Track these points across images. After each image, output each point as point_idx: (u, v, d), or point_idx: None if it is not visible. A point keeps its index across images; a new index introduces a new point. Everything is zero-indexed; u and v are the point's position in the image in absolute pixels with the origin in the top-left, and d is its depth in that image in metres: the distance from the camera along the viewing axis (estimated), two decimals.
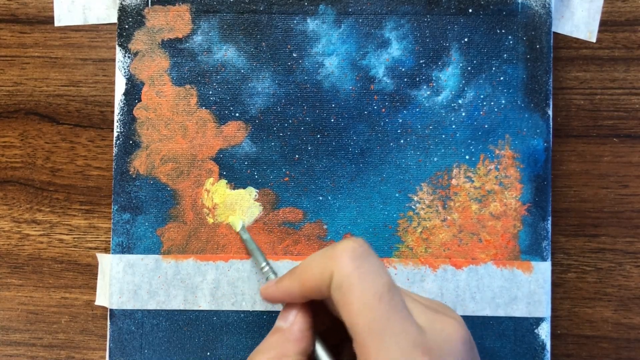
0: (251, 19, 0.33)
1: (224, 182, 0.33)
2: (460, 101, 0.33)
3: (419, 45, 0.33)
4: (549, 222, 0.33)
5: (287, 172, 0.33)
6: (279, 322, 0.26)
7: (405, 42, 0.33)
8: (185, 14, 0.33)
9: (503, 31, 0.33)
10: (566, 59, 0.35)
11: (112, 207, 0.33)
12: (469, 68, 0.33)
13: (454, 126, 0.33)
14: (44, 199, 0.35)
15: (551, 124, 0.33)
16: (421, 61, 0.33)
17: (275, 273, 0.30)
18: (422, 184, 0.33)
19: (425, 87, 0.33)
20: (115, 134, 0.33)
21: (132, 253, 0.33)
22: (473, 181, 0.33)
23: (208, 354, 0.33)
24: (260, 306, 0.33)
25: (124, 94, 0.33)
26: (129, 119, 0.33)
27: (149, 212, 0.33)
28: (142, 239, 0.33)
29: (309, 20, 0.33)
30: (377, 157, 0.33)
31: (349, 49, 0.33)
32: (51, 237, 0.35)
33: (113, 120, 0.35)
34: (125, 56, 0.33)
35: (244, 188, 0.33)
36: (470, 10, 0.33)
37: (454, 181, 0.33)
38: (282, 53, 0.33)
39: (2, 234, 0.35)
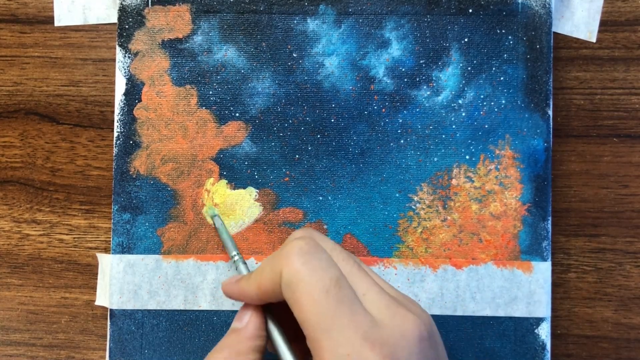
0: (251, 19, 0.33)
1: (224, 182, 0.33)
2: (460, 101, 0.33)
3: (419, 46, 0.33)
4: (549, 222, 0.33)
5: (287, 172, 0.33)
6: (235, 324, 0.26)
7: (405, 42, 0.33)
8: (185, 14, 0.33)
9: (503, 31, 0.33)
10: (566, 59, 0.35)
11: (112, 207, 0.33)
12: (469, 68, 0.33)
13: (454, 126, 0.33)
14: (44, 199, 0.35)
15: (551, 124, 0.33)
16: (421, 61, 0.33)
17: (245, 263, 0.30)
18: (422, 184, 0.33)
19: (425, 87, 0.33)
20: (116, 134, 0.33)
21: (133, 253, 0.33)
22: (473, 181, 0.33)
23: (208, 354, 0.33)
24: None
25: (124, 94, 0.33)
26: (129, 119, 0.33)
27: (149, 212, 0.33)
28: (142, 239, 0.33)
29: (309, 21, 0.33)
30: (377, 157, 0.33)
31: (349, 49, 0.33)
32: (51, 237, 0.35)
33: (113, 120, 0.35)
34: (125, 56, 0.33)
35: (244, 188, 0.33)
36: (470, 11, 0.33)
37: (454, 181, 0.33)
38: (282, 53, 0.33)
39: (2, 234, 0.35)
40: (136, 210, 0.33)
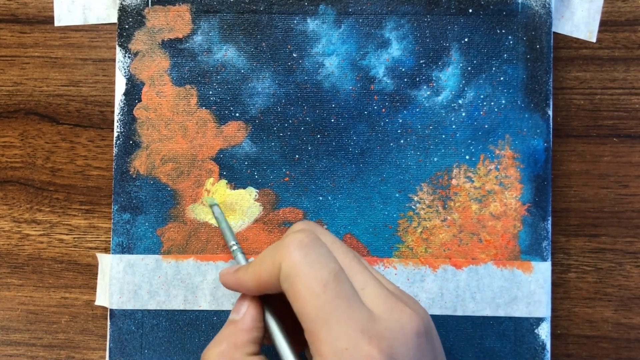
0: (251, 19, 0.33)
1: (224, 182, 0.33)
2: (460, 101, 0.33)
3: (419, 46, 0.33)
4: (549, 222, 0.33)
5: (287, 172, 0.33)
6: (232, 315, 0.26)
7: (405, 42, 0.33)
8: (185, 14, 0.33)
9: (503, 31, 0.33)
10: (566, 59, 0.35)
11: (112, 207, 0.33)
12: (469, 68, 0.33)
13: (454, 126, 0.33)
14: (44, 199, 0.35)
15: (551, 124, 0.33)
16: (421, 61, 0.33)
17: (243, 253, 0.30)
18: (422, 184, 0.33)
19: (425, 87, 0.33)
20: (116, 134, 0.33)
21: (132, 253, 0.33)
22: (473, 181, 0.33)
23: None
24: None
25: (124, 94, 0.33)
26: (129, 119, 0.33)
27: (149, 212, 0.33)
28: (142, 239, 0.33)
29: (309, 21, 0.33)
30: (377, 157, 0.33)
31: (349, 49, 0.33)
32: (51, 237, 0.35)
33: (113, 120, 0.35)
34: (125, 56, 0.33)
35: (244, 188, 0.33)
36: (470, 10, 0.33)
37: (454, 181, 0.33)
38: (282, 53, 0.33)
39: (2, 234, 0.35)
40: (136, 210, 0.33)
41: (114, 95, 0.35)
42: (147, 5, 0.33)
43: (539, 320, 0.33)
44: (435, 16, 0.33)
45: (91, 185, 0.35)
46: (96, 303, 0.34)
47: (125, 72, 0.33)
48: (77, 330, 0.35)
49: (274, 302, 0.27)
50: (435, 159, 0.33)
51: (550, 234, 0.33)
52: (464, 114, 0.33)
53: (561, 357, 0.35)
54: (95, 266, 0.35)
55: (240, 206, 0.33)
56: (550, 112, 0.33)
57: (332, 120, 0.33)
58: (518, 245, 0.33)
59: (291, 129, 0.33)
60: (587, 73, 0.35)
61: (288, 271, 0.23)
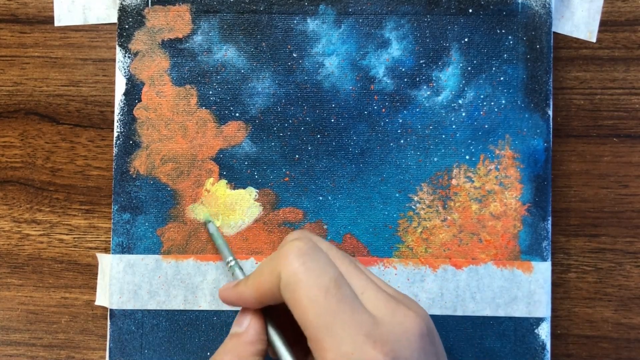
0: (251, 19, 0.33)
1: (224, 182, 0.33)
2: (460, 101, 0.33)
3: (419, 46, 0.33)
4: (549, 222, 0.33)
5: (287, 172, 0.33)
6: (235, 328, 0.26)
7: (405, 42, 0.33)
8: (185, 14, 0.33)
9: (503, 31, 0.33)
10: (566, 59, 0.35)
11: (112, 207, 0.33)
12: (469, 68, 0.33)
13: (454, 126, 0.33)
14: (44, 199, 0.35)
15: (551, 124, 0.33)
16: (421, 61, 0.33)
17: (241, 268, 0.30)
18: (422, 184, 0.33)
19: (425, 87, 0.33)
20: (116, 134, 0.33)
21: (132, 253, 0.33)
22: (473, 181, 0.33)
23: (208, 354, 0.33)
24: None
25: (124, 94, 0.33)
26: (129, 119, 0.33)
27: (149, 212, 0.33)
28: (142, 239, 0.33)
29: (309, 21, 0.33)
30: (377, 157, 0.33)
31: (349, 49, 0.33)
32: (51, 237, 0.35)
33: (113, 120, 0.35)
34: (125, 56, 0.33)
35: (244, 188, 0.33)
36: (470, 10, 0.33)
37: (454, 181, 0.33)
38: (282, 53, 0.33)
39: (2, 234, 0.35)
40: (136, 210, 0.33)
41: (114, 95, 0.35)
42: (147, 5, 0.33)
43: (539, 320, 0.33)
44: (435, 16, 0.33)
45: (91, 185, 0.35)
46: (96, 303, 0.34)
47: (125, 72, 0.33)
48: (77, 330, 0.35)
49: (274, 314, 0.27)
50: (435, 159, 0.33)
51: (550, 234, 0.33)
52: (464, 114, 0.33)
53: (561, 357, 0.35)
54: (95, 266, 0.35)
55: (240, 206, 0.33)
56: (550, 112, 0.33)
57: (332, 120, 0.33)
58: (518, 245, 0.33)
59: (291, 129, 0.33)
60: (587, 73, 0.35)
61: (288, 280, 0.23)
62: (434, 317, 0.33)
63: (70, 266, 0.35)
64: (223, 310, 0.33)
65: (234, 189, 0.33)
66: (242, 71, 0.33)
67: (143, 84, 0.33)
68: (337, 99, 0.33)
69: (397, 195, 0.33)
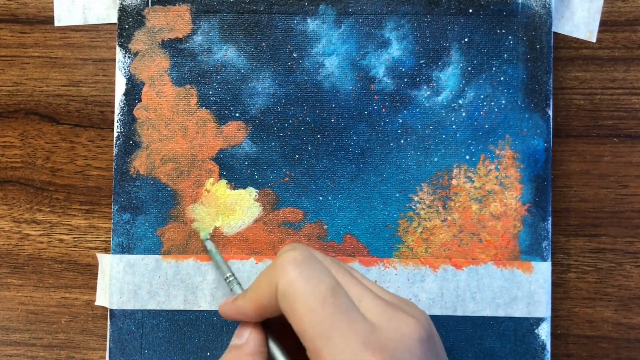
0: (251, 19, 0.33)
1: (224, 182, 0.33)
2: (460, 101, 0.33)
3: (419, 46, 0.33)
4: (549, 222, 0.33)
5: (287, 172, 0.33)
6: (235, 340, 0.26)
7: (405, 42, 0.33)
8: (185, 14, 0.33)
9: (503, 31, 0.33)
10: (566, 59, 0.35)
11: (112, 207, 0.33)
12: (469, 68, 0.33)
13: (454, 126, 0.33)
14: (44, 199, 0.35)
15: (551, 124, 0.33)
16: (421, 61, 0.33)
17: (239, 283, 0.30)
18: (423, 184, 0.33)
19: (425, 87, 0.33)
20: (116, 134, 0.33)
21: (132, 253, 0.33)
22: (473, 181, 0.33)
23: (208, 354, 0.33)
24: None
25: (124, 94, 0.33)
26: (129, 119, 0.33)
27: (149, 212, 0.33)
28: (142, 239, 0.33)
29: (309, 21, 0.33)
30: (377, 157, 0.33)
31: (349, 49, 0.33)
32: (51, 237, 0.35)
33: (113, 120, 0.35)
34: (125, 56, 0.33)
35: (244, 188, 0.33)
36: (470, 10, 0.33)
37: (454, 181, 0.33)
38: (282, 53, 0.33)
39: (2, 234, 0.35)
40: (136, 210, 0.33)
41: (114, 95, 0.35)
42: (147, 5, 0.33)
43: (539, 320, 0.33)
44: (435, 16, 0.33)
45: (91, 185, 0.35)
46: (96, 303, 0.34)
47: (125, 72, 0.33)
48: (77, 330, 0.35)
49: (275, 327, 0.27)
50: (436, 159, 0.33)
51: (550, 234, 0.33)
52: (464, 114, 0.33)
53: (561, 357, 0.35)
54: (95, 266, 0.35)
55: (240, 206, 0.33)
56: (550, 112, 0.33)
57: (332, 120, 0.33)
58: (518, 245, 0.33)
59: (291, 129, 0.33)
60: (587, 73, 0.35)
61: (285, 290, 0.23)
62: (434, 317, 0.33)
63: (70, 266, 0.35)
64: None
65: (234, 189, 0.33)
66: (242, 71, 0.33)
67: (143, 84, 0.33)
68: (337, 99, 0.33)
69: (397, 195, 0.33)
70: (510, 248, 0.33)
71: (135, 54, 0.33)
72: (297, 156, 0.33)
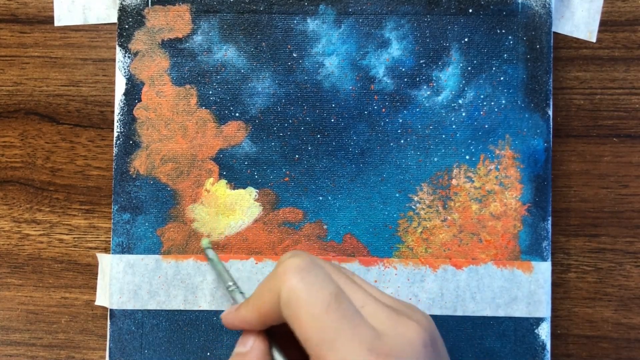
0: (251, 19, 0.33)
1: (224, 182, 0.33)
2: (460, 101, 0.33)
3: (419, 45, 0.33)
4: (549, 222, 0.33)
5: (287, 172, 0.33)
6: (238, 348, 0.26)
7: (405, 42, 0.33)
8: (185, 14, 0.33)
9: (503, 31, 0.33)
10: (566, 59, 0.35)
11: (112, 207, 0.33)
12: (469, 68, 0.33)
13: (454, 126, 0.33)
14: (44, 199, 0.35)
15: (551, 124, 0.33)
16: (421, 61, 0.33)
17: (242, 292, 0.30)
18: (423, 184, 0.33)
19: (425, 87, 0.33)
20: (116, 134, 0.33)
21: (132, 253, 0.33)
22: (473, 181, 0.33)
23: (208, 354, 0.33)
24: None
25: (124, 94, 0.33)
26: (129, 119, 0.33)
27: (149, 212, 0.33)
28: (142, 239, 0.33)
29: (309, 20, 0.33)
30: (377, 157, 0.33)
31: (349, 49, 0.33)
32: (51, 237, 0.35)
33: (113, 120, 0.35)
34: (125, 56, 0.33)
35: (244, 188, 0.33)
36: (470, 10, 0.33)
37: (454, 181, 0.33)
38: (282, 53, 0.33)
39: (2, 234, 0.35)
40: (136, 210, 0.33)
41: (114, 95, 0.35)
42: (147, 5, 0.33)
43: (539, 320, 0.33)
44: (435, 16, 0.33)
45: (91, 185, 0.35)
46: (96, 303, 0.34)
47: (125, 72, 0.33)
48: (77, 330, 0.35)
49: (278, 335, 0.26)
50: (436, 159, 0.33)
51: (550, 234, 0.33)
52: (464, 114, 0.33)
53: (561, 357, 0.35)
54: (95, 266, 0.35)
55: (240, 206, 0.33)
56: (550, 112, 0.33)
57: (332, 120, 0.33)
58: (518, 245, 0.33)
59: (291, 129, 0.33)
60: (587, 73, 0.35)
61: (288, 297, 0.23)
62: (434, 317, 0.33)
63: (70, 266, 0.35)
64: (223, 311, 0.33)
65: (234, 189, 0.33)
66: (242, 71, 0.33)
67: (143, 84, 0.33)
68: (337, 99, 0.33)
69: (397, 195, 0.33)
70: (510, 248, 0.33)
71: (135, 54, 0.33)
72: (297, 156, 0.33)
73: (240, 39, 0.33)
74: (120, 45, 0.33)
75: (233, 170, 0.33)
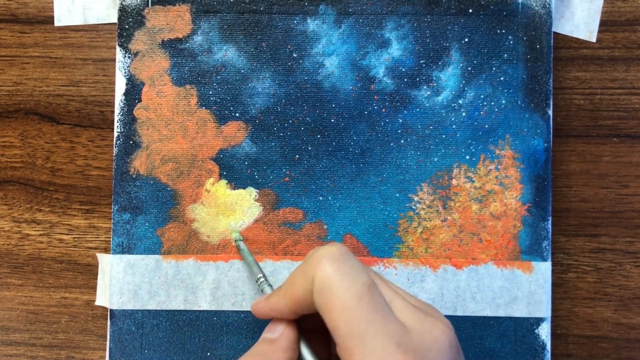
0: (251, 19, 0.33)
1: (224, 182, 0.33)
2: (460, 101, 0.33)
3: (419, 46, 0.33)
4: (549, 222, 0.33)
5: (287, 172, 0.33)
6: (266, 334, 0.26)
7: (405, 42, 0.33)
8: (185, 14, 0.33)
9: (503, 31, 0.33)
10: (566, 59, 0.35)
11: (112, 207, 0.33)
12: (469, 68, 0.33)
13: (454, 126, 0.33)
14: (44, 199, 0.35)
15: (551, 124, 0.33)
16: (421, 61, 0.33)
17: (270, 285, 0.30)
18: (423, 184, 0.33)
19: (425, 87, 0.33)
20: (116, 134, 0.33)
21: (132, 253, 0.33)
22: (473, 181, 0.33)
23: (208, 354, 0.33)
24: None
25: (124, 94, 0.33)
26: (129, 119, 0.33)
27: (149, 212, 0.33)
28: (142, 239, 0.33)
29: (309, 21, 0.33)
30: (377, 157, 0.33)
31: (349, 49, 0.33)
32: (51, 237, 0.35)
33: (113, 120, 0.35)
34: (125, 56, 0.33)
35: (244, 188, 0.33)
36: (470, 11, 0.33)
37: (454, 181, 0.33)
38: (282, 53, 0.33)
39: (2, 234, 0.35)
40: (136, 211, 0.33)
41: (114, 95, 0.35)
42: (147, 5, 0.33)
43: (539, 320, 0.33)
44: (435, 16, 0.33)
45: (91, 185, 0.35)
46: (96, 303, 0.34)
47: (125, 72, 0.33)
48: (77, 330, 0.35)
49: (304, 331, 0.26)
50: (436, 159, 0.33)
51: (550, 234, 0.33)
52: (464, 114, 0.33)
53: (561, 357, 0.35)
54: (95, 266, 0.35)
55: (240, 206, 0.33)
56: (550, 112, 0.33)
57: (332, 120, 0.33)
58: (518, 245, 0.33)
59: (291, 129, 0.33)
60: (587, 73, 0.35)
61: (321, 284, 0.23)
62: None
63: (70, 266, 0.35)
64: (223, 311, 0.33)
65: (234, 189, 0.33)
66: (242, 71, 0.33)
67: (143, 84, 0.33)
68: (337, 99, 0.33)
69: (397, 195, 0.33)
70: (511, 248, 0.33)
71: (135, 54, 0.33)
72: (297, 156, 0.33)
73: (241, 39, 0.33)
74: (120, 46, 0.33)
75: (233, 170, 0.33)
